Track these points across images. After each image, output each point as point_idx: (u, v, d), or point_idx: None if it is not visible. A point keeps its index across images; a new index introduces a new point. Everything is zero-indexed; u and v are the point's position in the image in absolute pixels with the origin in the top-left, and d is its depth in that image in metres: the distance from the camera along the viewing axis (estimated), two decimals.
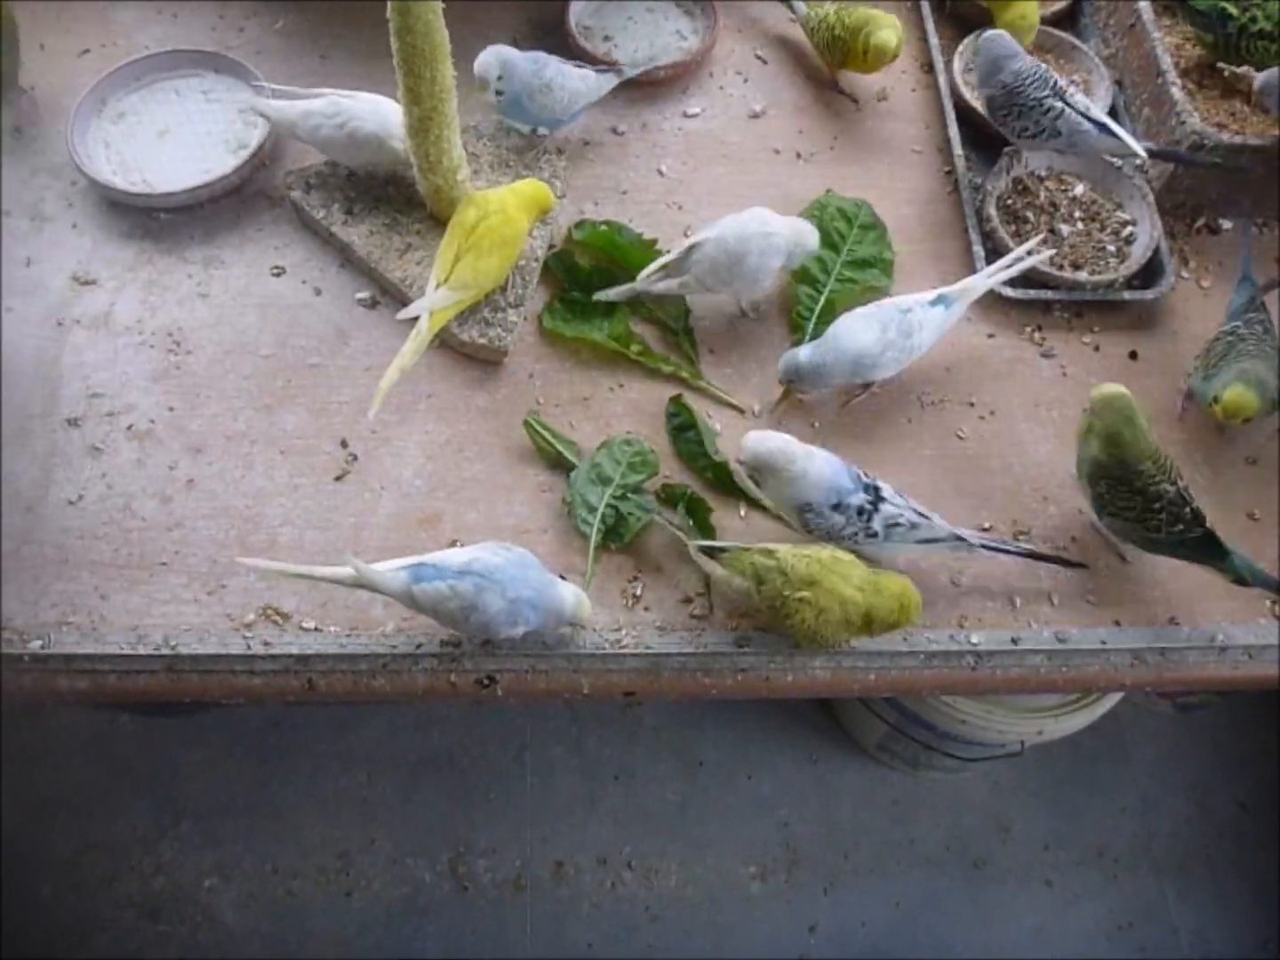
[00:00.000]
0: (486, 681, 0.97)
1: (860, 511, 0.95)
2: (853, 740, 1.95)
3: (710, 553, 0.99)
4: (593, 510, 1.02)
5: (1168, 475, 0.96)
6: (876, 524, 0.96)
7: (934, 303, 1.07)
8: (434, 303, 1.07)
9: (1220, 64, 1.27)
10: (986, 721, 1.48)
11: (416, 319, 1.06)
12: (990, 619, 1.03)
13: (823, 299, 1.16)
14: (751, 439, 0.96)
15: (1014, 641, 1.01)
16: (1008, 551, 1.01)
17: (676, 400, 1.10)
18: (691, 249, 1.11)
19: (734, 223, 1.11)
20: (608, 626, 1.00)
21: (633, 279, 1.14)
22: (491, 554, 0.90)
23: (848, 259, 1.18)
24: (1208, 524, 0.97)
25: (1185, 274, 1.24)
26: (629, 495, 1.03)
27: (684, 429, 1.09)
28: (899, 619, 0.92)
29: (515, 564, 0.90)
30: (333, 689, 0.97)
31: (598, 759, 1.94)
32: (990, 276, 1.11)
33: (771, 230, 1.10)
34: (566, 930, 1.80)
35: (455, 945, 1.79)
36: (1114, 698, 1.50)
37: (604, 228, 1.19)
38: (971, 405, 1.14)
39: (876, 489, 0.97)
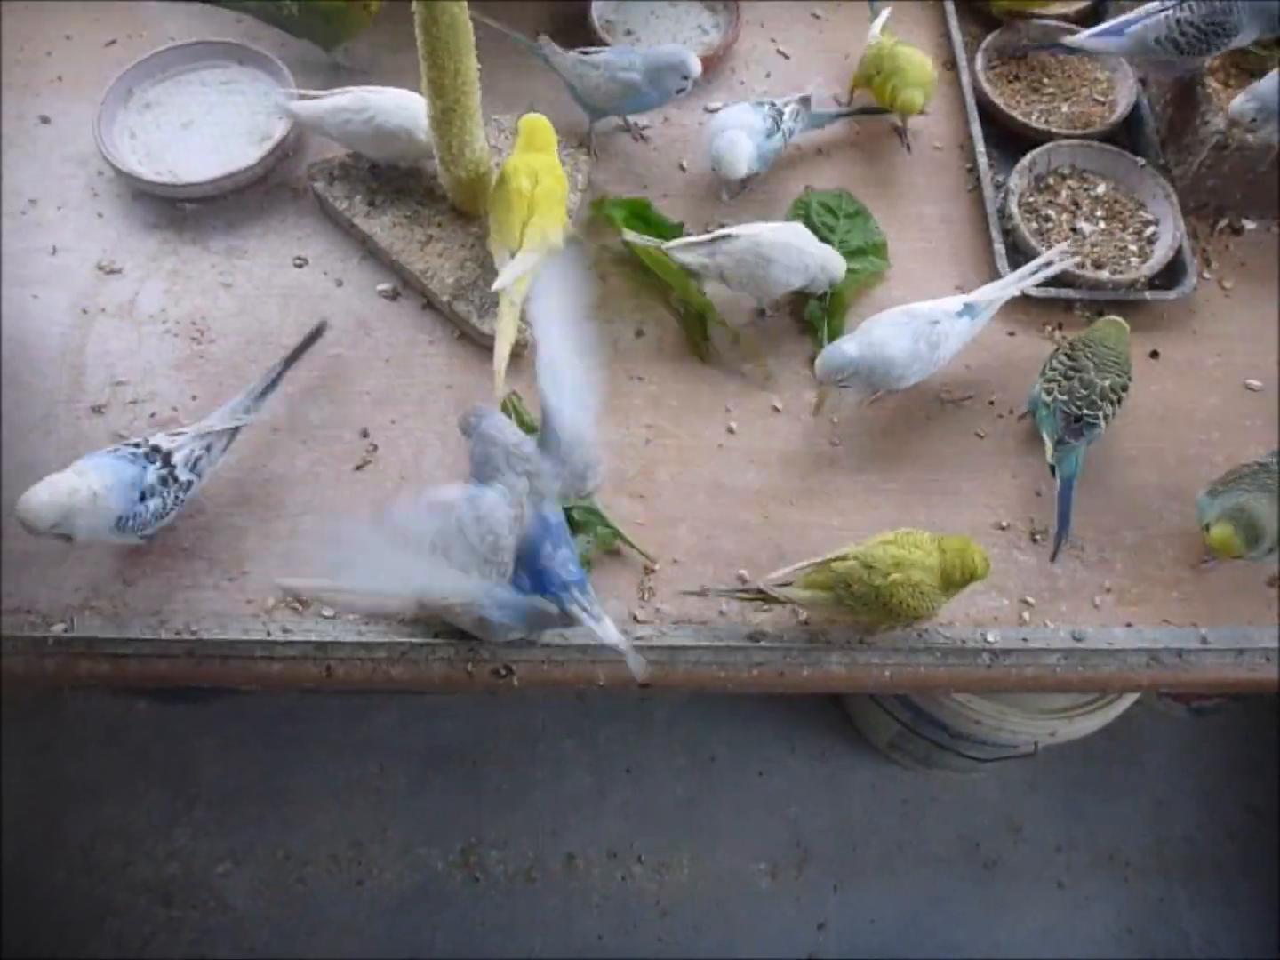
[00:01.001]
0: (503, 671, 0.98)
1: (164, 481, 0.94)
2: (864, 739, 1.95)
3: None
4: None
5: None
6: (181, 474, 0.95)
7: (960, 313, 1.06)
8: (517, 269, 1.07)
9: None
10: (1000, 722, 1.48)
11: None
12: (1006, 617, 1.03)
13: (829, 293, 1.16)
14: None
15: (1029, 640, 1.01)
16: None
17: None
18: (725, 238, 1.11)
19: (772, 230, 1.11)
20: (623, 620, 1.00)
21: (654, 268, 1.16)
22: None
23: (843, 251, 1.18)
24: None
25: (1207, 275, 1.24)
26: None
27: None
28: (969, 571, 0.92)
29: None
30: (351, 676, 0.98)
31: (609, 753, 1.94)
32: (1016, 284, 1.10)
33: (805, 250, 1.11)
34: (577, 922, 1.81)
35: (466, 935, 1.79)
36: (1128, 700, 1.49)
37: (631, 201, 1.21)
38: (991, 404, 1.14)
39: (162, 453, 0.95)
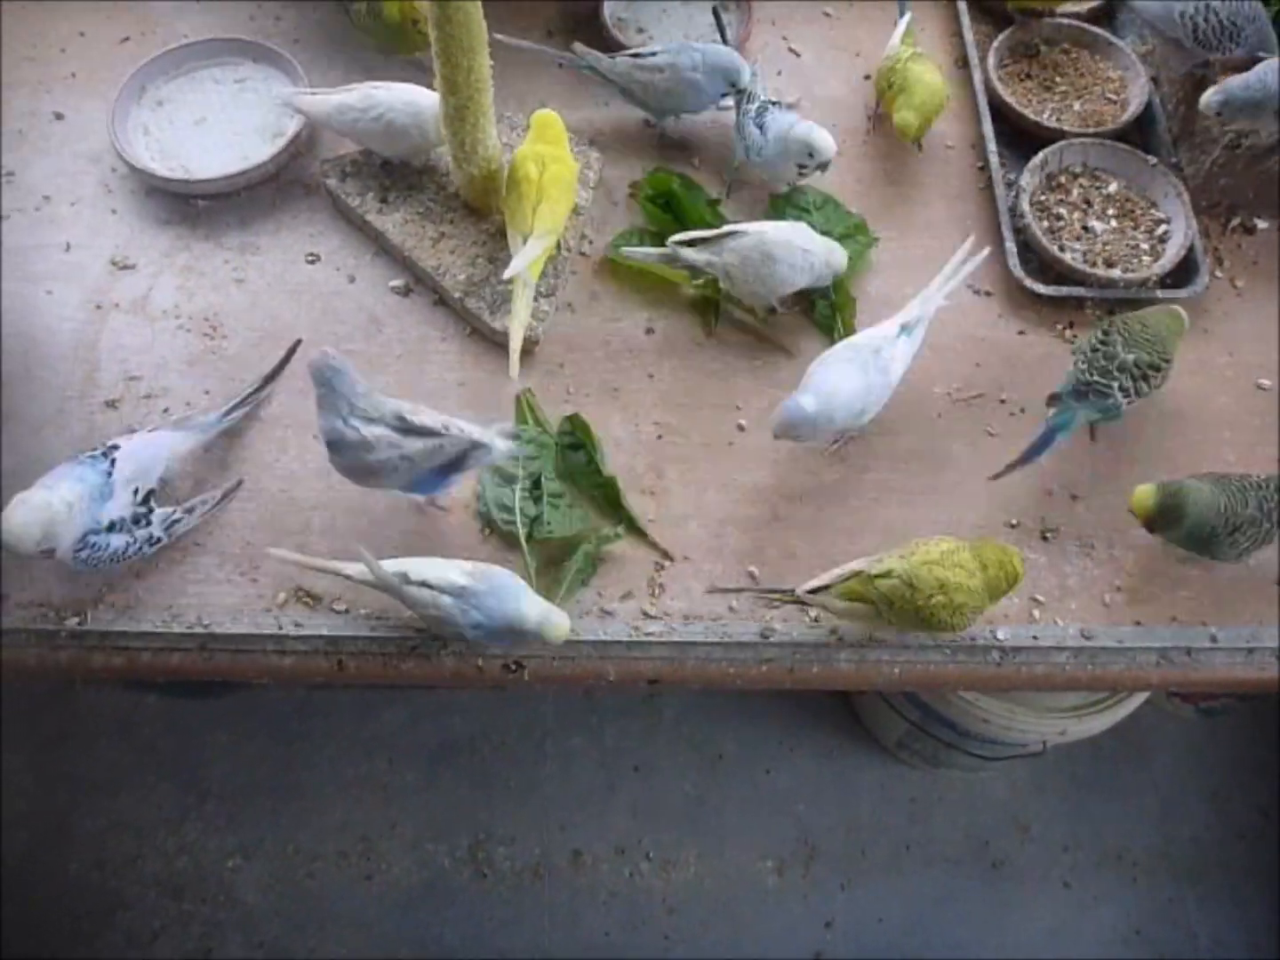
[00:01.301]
0: (514, 667, 0.98)
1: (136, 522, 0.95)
2: (873, 737, 1.95)
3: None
4: (509, 510, 1.03)
5: (1245, 490, 0.97)
6: (156, 530, 0.97)
7: (899, 334, 1.04)
8: (530, 254, 1.09)
9: None
10: (1009, 721, 1.48)
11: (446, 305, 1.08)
12: (1016, 615, 1.03)
13: (832, 287, 1.17)
14: None
15: (1038, 638, 1.01)
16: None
17: (573, 419, 1.08)
18: (731, 234, 1.11)
19: (776, 229, 1.12)
20: (634, 615, 1.00)
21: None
22: (476, 581, 0.91)
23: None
24: None
25: (1219, 274, 1.23)
26: (539, 484, 1.04)
27: (574, 448, 1.07)
28: (1012, 579, 0.93)
29: (492, 594, 0.90)
30: (362, 671, 0.98)
31: (618, 750, 1.95)
32: (940, 292, 1.08)
33: (809, 249, 1.11)
34: (584, 919, 1.81)
35: (474, 931, 1.80)
36: (1137, 699, 1.49)
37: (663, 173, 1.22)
38: (1002, 402, 1.14)
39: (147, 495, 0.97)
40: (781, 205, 1.23)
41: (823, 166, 1.18)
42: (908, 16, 1.33)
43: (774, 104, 1.20)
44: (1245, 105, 1.18)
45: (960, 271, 1.09)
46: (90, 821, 1.85)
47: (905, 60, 1.24)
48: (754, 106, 1.20)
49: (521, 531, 1.01)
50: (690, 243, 1.13)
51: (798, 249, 1.10)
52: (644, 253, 1.15)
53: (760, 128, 1.18)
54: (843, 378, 1.00)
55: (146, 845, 1.85)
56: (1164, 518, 0.97)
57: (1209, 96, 1.18)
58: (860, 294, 1.19)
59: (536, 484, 1.04)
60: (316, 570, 0.97)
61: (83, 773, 1.89)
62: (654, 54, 1.21)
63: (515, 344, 1.07)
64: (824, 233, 1.18)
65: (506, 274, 1.09)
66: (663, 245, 1.16)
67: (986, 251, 1.11)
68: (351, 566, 0.94)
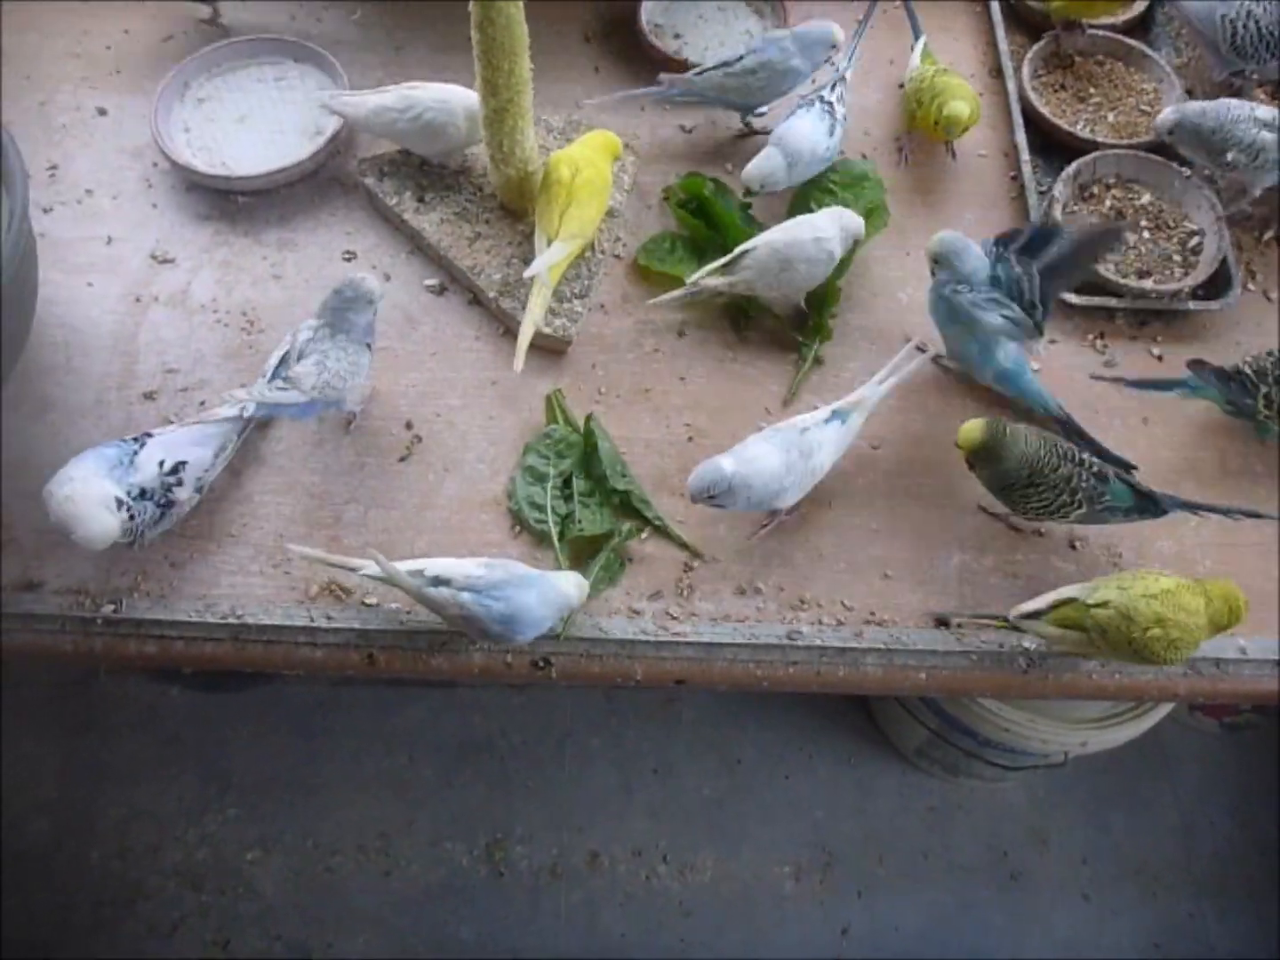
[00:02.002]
0: (542, 664, 0.99)
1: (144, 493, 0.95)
2: (892, 745, 1.95)
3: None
4: (541, 508, 1.04)
5: (1064, 458, 0.98)
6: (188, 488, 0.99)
7: (829, 420, 1.02)
8: (552, 257, 1.11)
9: None
10: (1030, 730, 1.48)
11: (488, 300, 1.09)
12: None
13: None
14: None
15: None
16: None
17: (587, 422, 1.09)
18: (743, 254, 1.12)
19: (784, 232, 1.12)
20: (662, 615, 1.01)
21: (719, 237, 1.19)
22: (492, 571, 0.92)
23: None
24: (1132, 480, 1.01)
25: (1251, 286, 1.23)
26: (570, 483, 1.05)
27: (596, 451, 1.08)
28: (1235, 618, 0.94)
29: (514, 584, 0.91)
30: (392, 665, 1.00)
31: (636, 752, 1.95)
32: (881, 384, 1.06)
33: (822, 235, 1.11)
34: (600, 920, 1.82)
35: (490, 930, 1.80)
36: (1160, 712, 1.48)
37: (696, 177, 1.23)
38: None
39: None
40: (806, 195, 1.23)
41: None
42: (923, 39, 1.34)
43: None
44: (1196, 134, 1.15)
45: (901, 370, 1.07)
46: (113, 810, 1.87)
47: (932, 76, 1.25)
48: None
49: (554, 530, 1.02)
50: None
51: (809, 242, 1.11)
52: (670, 297, 1.15)
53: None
54: (765, 452, 0.98)
55: (167, 836, 1.86)
56: (985, 453, 0.98)
57: (1165, 115, 1.17)
58: (891, 301, 1.20)
59: (568, 483, 1.05)
60: (334, 567, 0.98)
61: (106, 762, 1.91)
62: (740, 59, 1.23)
63: (523, 341, 1.09)
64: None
65: (526, 274, 1.11)
66: (694, 248, 1.19)
67: (931, 354, 1.11)
68: (367, 564, 0.95)
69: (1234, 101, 1.16)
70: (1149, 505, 1.01)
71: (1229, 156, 1.13)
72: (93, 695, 1.96)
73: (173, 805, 1.88)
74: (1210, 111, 1.15)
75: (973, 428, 0.98)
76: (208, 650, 1.00)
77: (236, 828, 1.87)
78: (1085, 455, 1.00)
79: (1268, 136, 1.13)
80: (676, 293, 1.15)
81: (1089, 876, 1.87)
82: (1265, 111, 1.15)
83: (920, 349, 1.12)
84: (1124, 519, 1.02)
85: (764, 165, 1.18)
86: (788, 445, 0.99)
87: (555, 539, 1.02)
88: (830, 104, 1.22)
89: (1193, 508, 1.02)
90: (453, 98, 1.17)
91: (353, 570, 0.96)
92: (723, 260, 1.14)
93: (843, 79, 1.25)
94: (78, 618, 1.00)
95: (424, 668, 1.00)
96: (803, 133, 1.18)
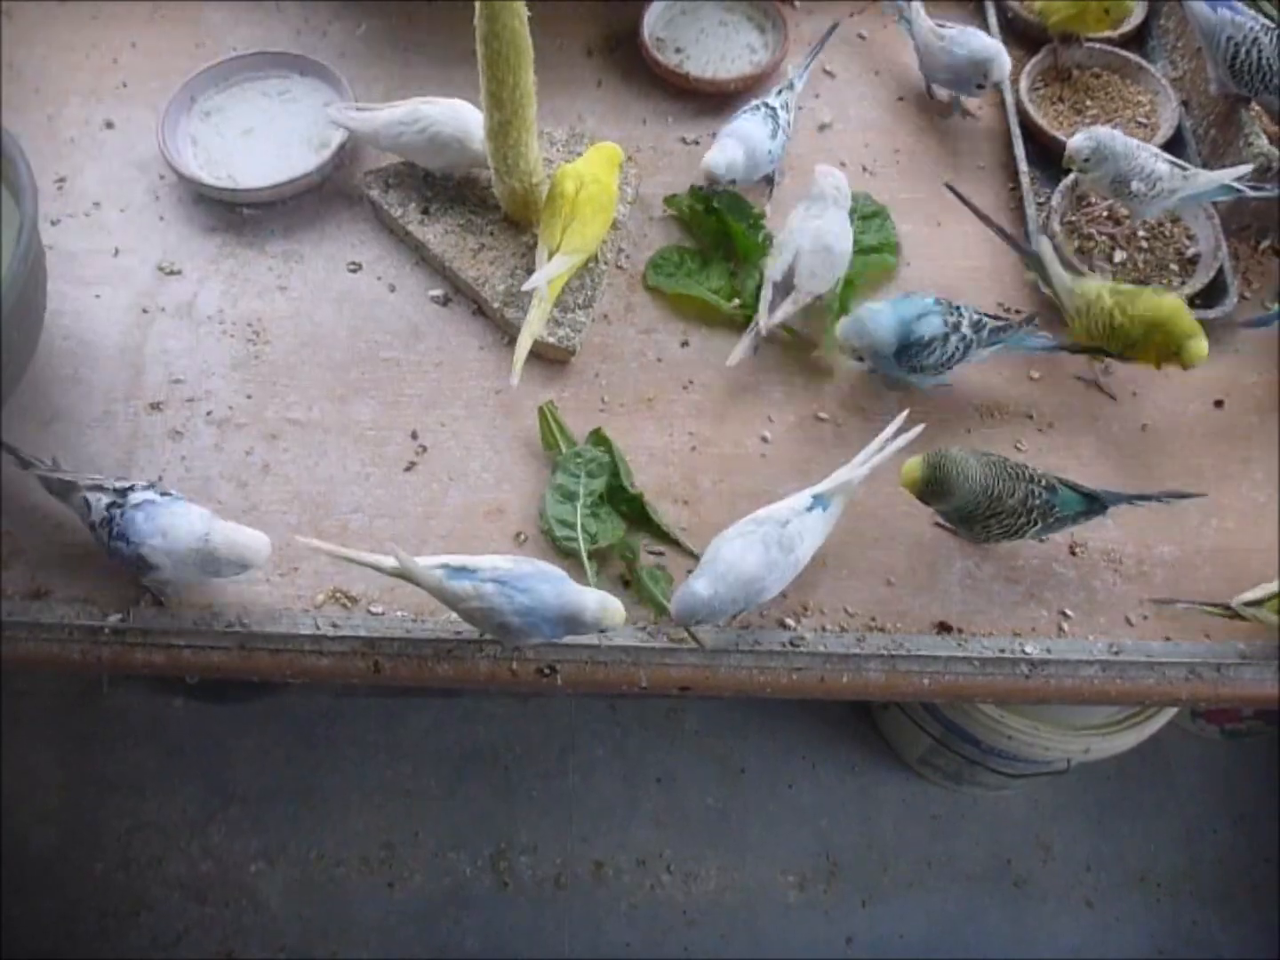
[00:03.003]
0: (547, 671, 1.00)
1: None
2: (895, 753, 1.95)
3: None
4: (571, 526, 1.04)
5: (1016, 479, 0.97)
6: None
7: (810, 507, 0.98)
8: (551, 271, 1.11)
9: None
10: (1033, 738, 1.48)
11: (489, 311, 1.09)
12: (1044, 629, 1.03)
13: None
14: None
15: (1067, 651, 1.02)
16: None
17: (596, 433, 1.09)
18: (791, 268, 1.12)
19: (801, 231, 1.13)
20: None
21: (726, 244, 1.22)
22: (520, 565, 0.92)
23: (856, 249, 1.18)
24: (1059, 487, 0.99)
25: (1248, 294, 1.24)
26: (600, 501, 1.05)
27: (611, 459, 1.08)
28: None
29: (538, 577, 0.91)
30: (398, 672, 1.00)
31: (640, 761, 1.95)
32: (862, 465, 1.01)
33: (841, 200, 1.14)
34: (604, 930, 1.82)
35: (494, 940, 1.81)
36: (1161, 718, 1.49)
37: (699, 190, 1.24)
38: (1030, 418, 1.15)
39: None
40: None
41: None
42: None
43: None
44: (1111, 160, 1.13)
45: (888, 448, 1.02)
46: (116, 822, 1.87)
47: (1114, 292, 1.09)
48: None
49: (584, 549, 1.02)
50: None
51: (834, 220, 1.13)
52: (744, 349, 1.14)
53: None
54: (742, 553, 0.94)
55: (171, 847, 1.87)
56: (931, 490, 0.96)
57: (1080, 140, 1.14)
58: None
59: (599, 501, 1.05)
60: (348, 560, 0.96)
61: (110, 774, 1.91)
62: (944, 27, 1.31)
63: (520, 353, 1.09)
64: (857, 241, 1.19)
65: (525, 286, 1.12)
66: (702, 261, 1.21)
67: (920, 429, 1.04)
68: (386, 559, 0.94)
69: (1120, 134, 1.15)
70: (1094, 505, 1.01)
71: (1133, 185, 1.13)
72: (96, 706, 1.97)
73: (176, 817, 1.89)
74: (1118, 138, 1.14)
75: (912, 467, 0.96)
76: (214, 659, 1.00)
77: (240, 839, 1.88)
78: (1032, 470, 0.99)
79: (1163, 167, 1.14)
80: (746, 342, 1.14)
81: (1092, 884, 1.87)
82: (1150, 146, 1.16)
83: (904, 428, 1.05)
84: (1072, 524, 1.02)
85: (726, 153, 1.19)
86: (768, 542, 0.94)
87: (585, 558, 1.02)
88: (774, 109, 1.23)
89: (1129, 499, 1.02)
90: (462, 113, 1.19)
91: (368, 565, 0.95)
92: (769, 298, 1.13)
93: (790, 86, 1.27)
94: (85, 626, 1.00)
95: (430, 675, 1.00)
96: (748, 129, 1.20)
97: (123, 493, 0.96)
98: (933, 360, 1.06)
